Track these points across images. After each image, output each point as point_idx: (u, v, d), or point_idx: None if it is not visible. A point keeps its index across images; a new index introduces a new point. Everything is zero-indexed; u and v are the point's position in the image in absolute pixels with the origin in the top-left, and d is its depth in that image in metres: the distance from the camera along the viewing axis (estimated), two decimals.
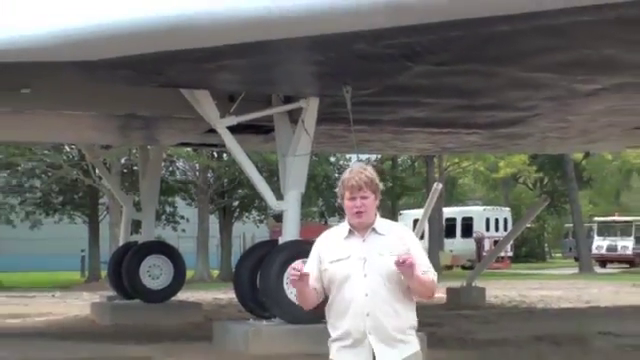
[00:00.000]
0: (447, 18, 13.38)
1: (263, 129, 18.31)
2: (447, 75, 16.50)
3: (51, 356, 16.40)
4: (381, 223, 6.00)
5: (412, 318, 5.91)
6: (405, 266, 5.63)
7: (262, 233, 43.45)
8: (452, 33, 13.86)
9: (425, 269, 5.89)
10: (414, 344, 5.90)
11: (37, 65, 15.17)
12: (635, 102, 18.93)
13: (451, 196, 54.05)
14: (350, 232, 5.96)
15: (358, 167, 6.06)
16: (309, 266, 6.05)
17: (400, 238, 5.98)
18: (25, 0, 15.20)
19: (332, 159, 43.33)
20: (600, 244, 58.10)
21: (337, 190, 6.05)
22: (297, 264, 5.84)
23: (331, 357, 5.98)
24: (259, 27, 14.05)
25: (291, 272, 5.80)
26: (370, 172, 5.98)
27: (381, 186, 6.07)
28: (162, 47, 14.54)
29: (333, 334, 5.94)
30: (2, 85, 16.76)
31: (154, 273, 23.80)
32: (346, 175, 5.96)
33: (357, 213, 5.87)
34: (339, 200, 6.03)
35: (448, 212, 53.88)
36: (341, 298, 5.88)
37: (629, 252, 57.52)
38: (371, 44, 14.16)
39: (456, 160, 49.18)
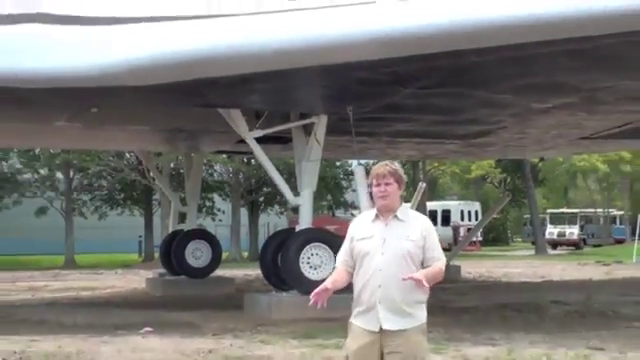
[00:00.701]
0: (427, 51, 13.70)
1: (283, 140, 18.45)
2: (429, 96, 16.74)
3: (113, 321, 16.26)
4: (403, 211, 5.93)
5: (420, 294, 5.76)
6: (415, 282, 5.64)
7: (282, 222, 43.71)
8: (432, 63, 14.21)
9: (437, 257, 5.85)
10: (419, 317, 5.81)
11: (103, 90, 15.21)
12: (578, 118, 19.18)
13: (433, 193, 54.20)
14: (376, 216, 5.91)
15: (386, 160, 6.05)
16: (345, 242, 6.03)
17: (418, 226, 5.90)
18: (96, 37, 14.99)
19: (338, 163, 43.44)
20: (552, 231, 58.64)
21: (368, 180, 6.26)
22: (317, 290, 5.76)
23: (350, 320, 5.90)
24: (280, 59, 14.36)
25: (313, 299, 5.76)
26: (394, 165, 5.95)
27: (405, 178, 6.02)
28: (203, 74, 14.74)
29: (354, 301, 5.89)
30: (76, 105, 17.03)
31: (196, 254, 24.13)
32: (375, 167, 5.93)
33: (381, 197, 5.82)
34: (369, 189, 6.19)
35: (431, 205, 53.94)
36: (362, 270, 5.81)
37: (575, 237, 58.13)
38: (368, 72, 14.57)
39: (436, 164, 49.57)
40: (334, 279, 5.91)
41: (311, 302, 5.79)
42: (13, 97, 15.45)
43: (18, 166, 46.14)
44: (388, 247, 5.74)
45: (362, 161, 23.49)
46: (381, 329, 5.71)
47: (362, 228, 5.94)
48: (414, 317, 5.79)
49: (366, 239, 5.84)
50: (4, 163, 45.87)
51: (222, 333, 14.32)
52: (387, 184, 5.81)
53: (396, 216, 5.85)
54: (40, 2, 15.23)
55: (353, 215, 38.49)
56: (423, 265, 5.80)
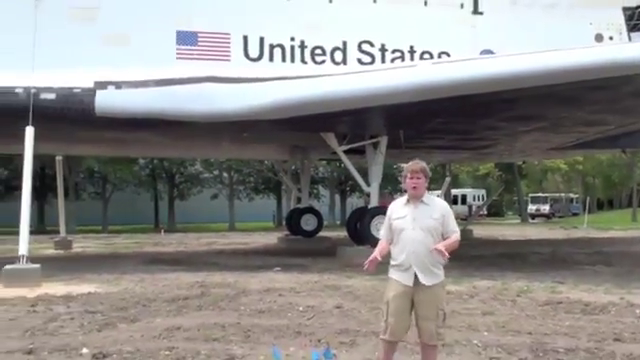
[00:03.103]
0: (447, 96, 13.71)
1: (360, 151, 17.84)
2: (451, 123, 16.63)
3: (256, 263, 16.39)
4: (428, 197, 5.43)
5: (441, 259, 5.26)
6: (437, 252, 5.20)
7: (360, 203, 43.67)
8: (452, 103, 14.11)
9: (452, 230, 5.36)
10: (441, 275, 5.34)
11: (251, 122, 15.26)
12: (548, 137, 18.83)
13: (455, 184, 53.78)
14: (408, 201, 5.41)
15: (417, 160, 5.56)
16: (385, 221, 5.55)
17: (439, 208, 5.37)
18: (245, 91, 15.00)
19: (394, 166, 43.36)
20: (532, 207, 57.19)
21: (403, 173, 5.62)
22: (371, 257, 5.36)
23: (389, 275, 5.42)
24: (358, 101, 14.38)
25: (370, 260, 5.35)
26: (423, 163, 5.48)
27: (430, 173, 5.55)
28: (311, 112, 14.78)
29: (392, 262, 5.39)
30: (234, 132, 16.92)
31: (308, 222, 24.16)
32: (408, 164, 5.48)
33: (413, 188, 5.35)
34: (403, 181, 5.46)
35: (454, 192, 53.34)
36: (399, 242, 5.33)
37: (547, 212, 56.62)
38: (412, 109, 14.41)
39: (457, 165, 49.07)
40: (380, 249, 5.48)
41: (365, 267, 5.37)
42: (205, 127, 15.38)
43: (200, 169, 47.05)
44: (418, 224, 5.29)
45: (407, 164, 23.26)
46: (415, 283, 5.26)
47: (397, 210, 5.45)
48: (437, 275, 5.32)
49: (400, 218, 5.37)
50: (191, 167, 46.80)
51: (323, 271, 14.32)
52: (418, 178, 5.36)
53: (422, 201, 5.38)
54: (210, 70, 15.33)
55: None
56: (443, 236, 5.33)
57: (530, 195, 60.92)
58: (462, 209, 53.34)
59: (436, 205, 5.42)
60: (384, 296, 5.46)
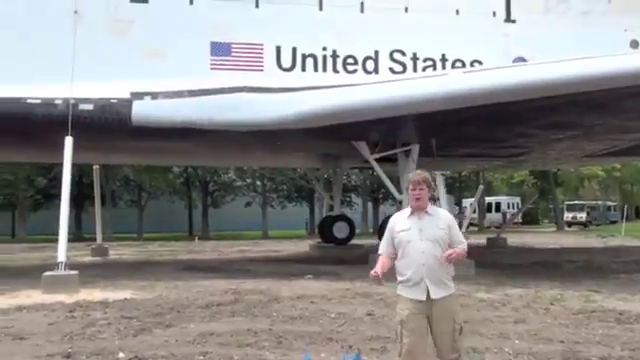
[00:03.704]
0: (479, 104, 13.59)
1: (392, 160, 17.58)
2: (483, 131, 16.41)
3: (289, 270, 16.44)
4: (431, 208, 5.21)
5: (451, 270, 5.11)
6: (448, 259, 4.98)
7: (394, 210, 43.50)
8: (483, 111, 13.90)
9: (459, 241, 5.15)
10: (452, 287, 5.12)
11: (281, 131, 15.26)
12: (582, 144, 18.54)
13: (489, 191, 53.41)
14: (411, 213, 5.16)
15: (419, 171, 5.38)
16: (386, 235, 5.27)
17: (444, 219, 5.16)
18: (279, 100, 15.06)
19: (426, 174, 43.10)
20: (568, 215, 56.29)
21: (404, 185, 5.48)
22: (373, 272, 5.09)
23: (398, 292, 5.14)
24: (390, 110, 14.34)
25: (373, 275, 5.09)
26: (426, 174, 5.26)
27: (432, 183, 5.30)
28: (343, 120, 14.76)
29: (400, 278, 5.11)
30: (268, 141, 16.76)
31: (340, 230, 24.10)
32: (411, 175, 5.26)
33: (416, 199, 5.12)
34: (405, 192, 5.49)
35: (488, 199, 53.23)
36: (406, 255, 5.06)
37: (583, 219, 55.50)
38: (443, 117, 14.24)
39: (491, 172, 48.79)
40: (381, 264, 5.19)
41: (372, 277, 5.09)
42: (238, 136, 15.55)
43: (233, 177, 47.43)
44: (425, 235, 5.05)
45: (441, 172, 23.12)
46: (427, 298, 5.01)
47: (400, 223, 5.20)
48: (449, 287, 5.08)
49: (405, 231, 5.10)
50: (225, 175, 47.22)
51: (354, 279, 14.32)
52: (421, 189, 5.14)
53: (427, 212, 5.16)
54: (243, 80, 15.41)
55: (437, 205, 38.16)
56: (450, 247, 5.09)
57: (566, 202, 60.14)
58: (496, 217, 52.98)
59: (440, 215, 5.22)
60: (396, 315, 5.18)
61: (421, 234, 5.05)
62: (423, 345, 5.06)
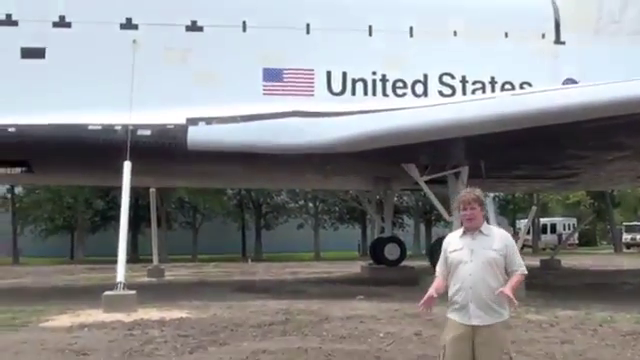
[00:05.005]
0: (528, 126, 13.71)
1: (442, 182, 17.50)
2: (533, 152, 16.35)
3: (341, 291, 16.68)
4: (487, 227, 4.97)
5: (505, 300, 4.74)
6: (501, 295, 4.73)
7: (446, 232, 43.14)
8: (534, 133, 14.01)
9: (518, 265, 4.89)
10: (504, 314, 4.82)
11: (332, 154, 15.50)
12: (632, 165, 18.29)
13: (544, 212, 52.52)
14: (464, 232, 4.95)
15: (468, 189, 5.10)
16: (441, 255, 5.10)
17: (500, 239, 4.92)
18: (329, 124, 15.34)
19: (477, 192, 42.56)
20: (626, 237, 54.72)
21: (454, 205, 5.03)
22: (420, 306, 4.96)
23: (447, 314, 4.97)
24: (439, 133, 14.54)
25: (423, 305, 4.95)
26: (477, 192, 5.01)
27: (484, 200, 5.05)
28: (392, 144, 14.96)
29: (450, 300, 4.94)
30: (317, 166, 17.37)
31: (391, 252, 23.77)
32: (461, 194, 5.05)
33: (468, 220, 4.91)
34: (456, 212, 5.27)
35: (543, 221, 52.59)
36: (455, 276, 4.87)
37: None
38: (492, 139, 14.35)
39: (546, 194, 48.05)
40: (436, 287, 5.01)
41: (420, 308, 4.96)
42: (290, 160, 15.77)
43: (286, 199, 47.95)
44: (476, 256, 4.83)
45: (491, 193, 22.92)
46: (474, 323, 4.80)
47: (453, 243, 5.01)
48: (499, 313, 4.79)
49: (457, 251, 4.91)
50: (278, 197, 47.78)
51: (404, 300, 14.20)
52: (472, 209, 4.91)
53: (481, 231, 4.93)
54: (295, 105, 15.86)
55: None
56: (507, 271, 4.88)
57: (624, 224, 58.65)
58: (552, 238, 52.01)
59: (496, 235, 4.96)
60: (441, 338, 5.06)
61: (472, 255, 4.85)
62: None
